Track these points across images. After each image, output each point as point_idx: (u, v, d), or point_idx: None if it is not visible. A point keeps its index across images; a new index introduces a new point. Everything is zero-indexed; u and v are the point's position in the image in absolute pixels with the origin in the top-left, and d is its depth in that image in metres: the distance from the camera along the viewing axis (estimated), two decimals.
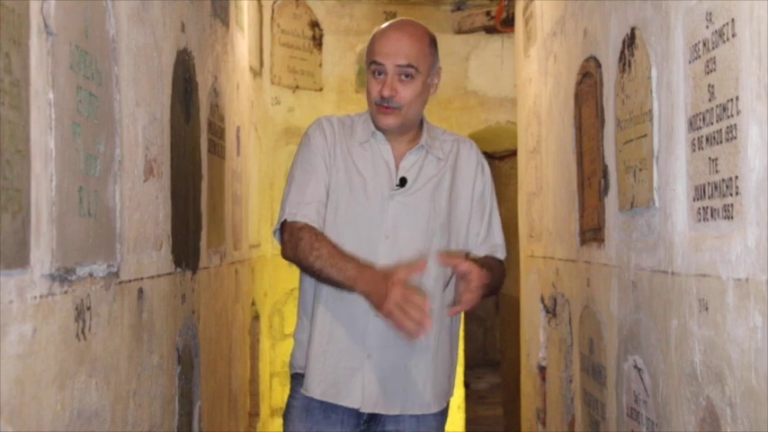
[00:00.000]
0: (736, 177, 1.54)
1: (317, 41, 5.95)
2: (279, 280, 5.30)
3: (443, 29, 5.98)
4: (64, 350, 1.52)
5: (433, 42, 2.26)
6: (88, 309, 1.64)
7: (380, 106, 2.21)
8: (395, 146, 2.28)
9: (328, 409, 2.23)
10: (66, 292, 1.51)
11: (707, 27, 1.68)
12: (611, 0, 2.50)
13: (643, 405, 2.20)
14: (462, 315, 2.47)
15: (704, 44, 1.70)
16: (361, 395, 2.21)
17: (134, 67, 2.01)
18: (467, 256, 2.27)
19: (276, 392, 5.33)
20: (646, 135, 2.12)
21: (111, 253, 1.80)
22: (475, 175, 2.33)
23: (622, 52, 2.34)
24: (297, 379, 2.30)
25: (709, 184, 1.68)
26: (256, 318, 4.93)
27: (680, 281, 1.87)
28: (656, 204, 2.06)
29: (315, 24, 5.95)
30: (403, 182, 2.24)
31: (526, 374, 4.72)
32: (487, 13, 6.07)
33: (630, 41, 2.25)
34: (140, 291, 2.06)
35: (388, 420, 2.24)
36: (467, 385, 7.34)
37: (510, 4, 5.57)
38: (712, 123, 1.65)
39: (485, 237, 2.33)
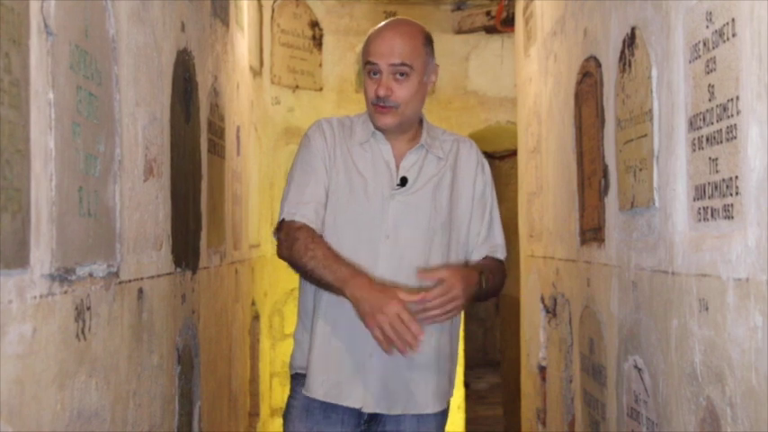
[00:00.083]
0: (737, 177, 1.54)
1: (317, 41, 5.95)
2: (279, 280, 5.30)
3: (443, 29, 5.98)
4: (64, 350, 1.51)
5: (427, 40, 2.26)
6: (88, 309, 1.64)
7: (377, 106, 2.21)
8: (395, 145, 2.28)
9: (328, 409, 2.22)
10: (65, 292, 1.51)
11: (707, 27, 1.68)
12: (611, 0, 2.50)
13: (643, 405, 2.20)
14: (462, 315, 2.46)
15: (704, 44, 1.70)
16: (363, 395, 2.21)
17: (134, 67, 2.01)
18: (466, 263, 2.28)
19: (276, 392, 5.32)
20: (646, 135, 2.11)
21: (110, 253, 1.80)
22: (475, 175, 2.33)
23: (622, 52, 2.34)
24: (297, 379, 2.30)
25: (709, 183, 1.68)
26: (256, 318, 4.93)
27: (680, 281, 1.87)
28: (657, 204, 2.05)
29: (315, 24, 5.95)
30: (403, 181, 2.24)
31: (526, 374, 4.72)
32: (487, 13, 6.06)
33: (631, 41, 2.25)
34: (140, 291, 2.05)
35: (389, 420, 2.24)
36: (467, 385, 7.34)
37: (510, 3, 5.57)
38: (712, 123, 1.65)
39: (485, 236, 2.33)
